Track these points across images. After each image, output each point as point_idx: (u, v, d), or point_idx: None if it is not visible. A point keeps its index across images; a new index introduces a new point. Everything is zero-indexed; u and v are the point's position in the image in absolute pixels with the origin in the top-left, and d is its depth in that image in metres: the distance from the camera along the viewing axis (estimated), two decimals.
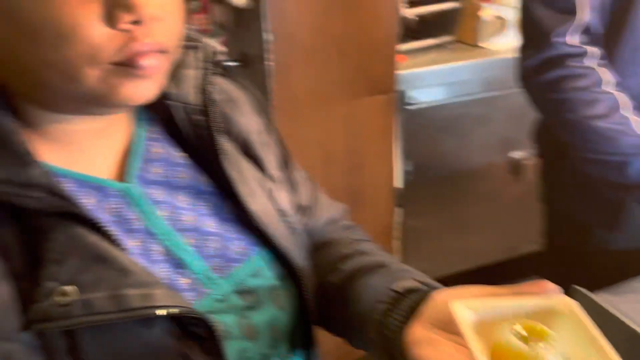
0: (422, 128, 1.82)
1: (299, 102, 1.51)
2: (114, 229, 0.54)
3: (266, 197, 0.65)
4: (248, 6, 1.43)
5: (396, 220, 1.84)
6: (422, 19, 1.80)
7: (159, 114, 0.63)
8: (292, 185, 0.72)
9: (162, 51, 0.51)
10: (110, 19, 0.46)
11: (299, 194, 0.73)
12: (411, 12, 1.75)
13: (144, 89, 0.51)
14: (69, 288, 0.47)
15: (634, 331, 0.66)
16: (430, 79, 1.75)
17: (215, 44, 0.72)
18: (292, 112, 1.51)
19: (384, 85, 1.59)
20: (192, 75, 0.62)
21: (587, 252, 1.15)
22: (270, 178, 0.67)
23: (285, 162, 0.73)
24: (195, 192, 0.62)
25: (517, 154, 1.99)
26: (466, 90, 1.82)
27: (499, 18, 1.84)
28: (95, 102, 0.51)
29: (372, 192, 1.73)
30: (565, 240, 1.24)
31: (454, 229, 2.04)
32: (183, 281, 0.57)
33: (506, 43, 1.86)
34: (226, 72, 0.70)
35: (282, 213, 0.66)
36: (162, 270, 0.56)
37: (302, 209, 0.73)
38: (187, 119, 0.61)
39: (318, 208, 0.75)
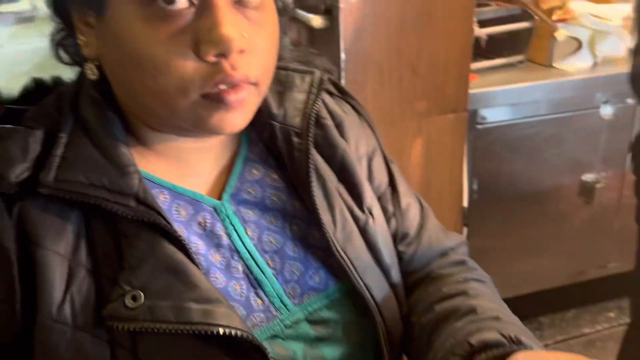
0: (490, 147, 1.80)
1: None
2: (199, 242, 0.57)
3: (356, 228, 0.64)
4: (323, 26, 1.46)
5: None
6: (493, 38, 1.79)
7: (264, 134, 0.65)
8: (397, 213, 0.70)
9: (252, 83, 0.53)
10: (199, 53, 0.50)
11: (405, 222, 0.71)
12: (482, 32, 1.74)
13: (231, 120, 0.53)
14: (138, 293, 0.50)
15: None
16: (501, 98, 1.73)
17: (330, 66, 0.73)
18: None
19: (455, 104, 1.58)
20: (298, 99, 0.64)
21: None
22: (368, 209, 0.65)
23: (393, 188, 0.71)
24: (285, 216, 0.63)
25: (588, 177, 1.94)
26: (537, 111, 1.80)
27: (574, 39, 1.81)
28: (189, 128, 0.55)
29: (440, 211, 1.72)
30: None
31: (520, 250, 2.00)
32: (257, 301, 0.58)
33: (580, 64, 1.83)
34: (341, 94, 0.71)
35: (373, 247, 0.64)
36: (239, 287, 0.58)
37: (407, 238, 0.71)
38: (286, 141, 0.63)
39: (427, 237, 0.71)
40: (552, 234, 2.02)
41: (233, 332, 0.50)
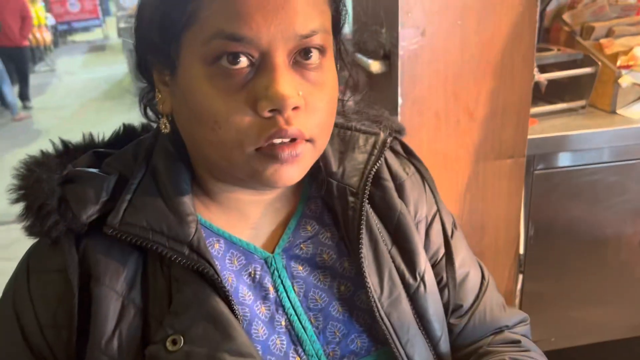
0: (549, 193, 1.77)
1: (426, 163, 1.53)
2: (247, 292, 0.59)
3: (405, 294, 0.62)
4: (382, 71, 1.49)
5: (517, 286, 1.79)
6: (554, 82, 1.77)
7: (322, 191, 0.66)
8: (451, 283, 0.68)
9: (307, 140, 0.55)
10: (256, 109, 0.52)
11: (460, 294, 0.69)
12: (542, 77, 1.73)
13: (285, 174, 0.55)
14: (179, 337, 0.52)
15: None
16: (561, 144, 1.70)
17: (400, 126, 0.74)
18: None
19: (514, 149, 1.57)
20: (359, 159, 0.65)
21: None
22: (421, 276, 0.64)
23: (448, 257, 0.69)
24: (334, 275, 0.63)
25: None
26: (599, 158, 1.75)
27: (639, 85, 1.77)
28: (246, 179, 0.57)
29: (495, 256, 1.70)
30: None
31: (578, 299, 1.94)
32: (295, 358, 0.59)
33: None
34: (406, 155, 0.71)
35: (421, 316, 0.63)
36: (279, 342, 0.59)
37: (460, 310, 0.69)
38: (341, 199, 0.64)
39: (482, 312, 0.69)
40: (613, 284, 1.95)
41: None
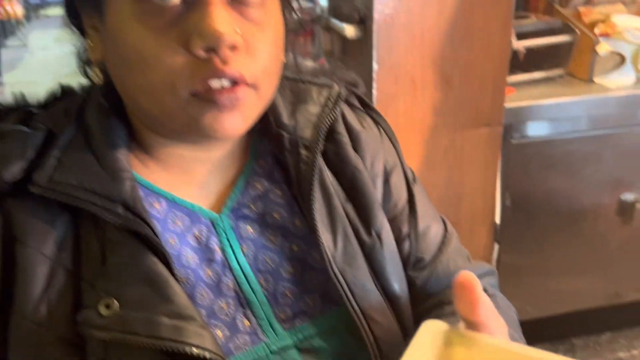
0: (526, 163, 1.75)
1: (401, 131, 1.51)
2: (192, 255, 0.56)
3: (361, 252, 0.60)
4: (357, 36, 1.45)
5: (493, 256, 1.79)
6: (532, 51, 1.75)
7: (272, 146, 0.63)
8: (413, 235, 0.66)
9: (249, 85, 0.51)
10: (187, 46, 0.48)
11: (421, 245, 0.67)
12: (520, 45, 1.70)
13: (226, 122, 0.51)
14: (113, 301, 0.49)
15: None
16: (538, 113, 1.69)
17: (355, 79, 0.70)
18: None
19: (490, 118, 1.55)
20: (312, 112, 0.62)
21: None
22: (377, 233, 0.61)
23: (411, 209, 0.67)
24: (286, 234, 0.60)
25: (628, 196, 1.88)
26: (576, 127, 1.75)
27: (617, 54, 1.75)
28: (183, 131, 0.53)
29: (471, 226, 1.69)
30: None
31: (554, 269, 1.94)
32: (244, 322, 0.56)
33: (622, 80, 1.77)
34: (363, 107, 0.68)
35: (379, 274, 0.60)
36: (226, 306, 0.55)
37: (421, 262, 0.67)
38: (293, 153, 0.60)
39: (445, 263, 0.67)
40: (588, 254, 1.96)
41: (202, 353, 0.48)
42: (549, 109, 1.68)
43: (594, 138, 1.77)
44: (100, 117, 0.56)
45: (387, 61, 1.42)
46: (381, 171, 0.66)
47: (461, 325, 0.45)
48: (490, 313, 0.46)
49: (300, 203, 0.60)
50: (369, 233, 0.61)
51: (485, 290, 0.66)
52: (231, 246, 0.58)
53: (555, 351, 2.39)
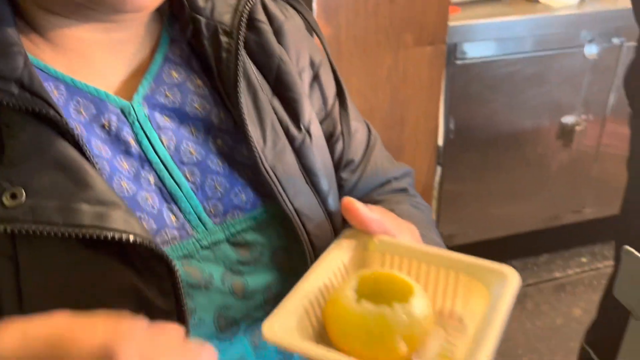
0: (469, 85, 1.74)
1: (343, 48, 1.46)
2: (102, 147, 0.51)
3: (290, 147, 0.57)
4: None
5: (435, 180, 1.79)
6: None
7: (188, 32, 0.57)
8: (345, 135, 0.64)
9: None
10: None
11: (351, 147, 0.65)
12: None
13: None
14: (19, 190, 0.44)
15: None
16: (482, 32, 1.67)
17: None
18: (334, 58, 1.46)
19: (434, 36, 1.51)
20: None
21: None
22: (306, 128, 0.59)
23: (342, 107, 0.64)
24: (209, 127, 0.56)
25: (568, 119, 1.90)
26: (520, 48, 1.73)
27: None
28: (86, 5, 0.47)
29: (414, 148, 1.68)
30: None
31: (495, 193, 1.98)
32: (170, 217, 0.52)
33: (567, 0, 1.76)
34: None
35: (308, 170, 0.58)
36: (150, 199, 0.52)
37: (352, 165, 0.65)
38: (213, 39, 0.55)
39: (373, 165, 0.67)
40: (529, 178, 2.00)
41: (130, 237, 0.44)
42: (493, 28, 1.66)
43: (537, 59, 1.76)
44: None
45: None
46: (308, 65, 0.62)
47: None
48: (390, 223, 0.49)
49: (224, 96, 0.56)
50: (298, 128, 0.58)
51: (406, 189, 0.69)
52: (148, 137, 0.53)
53: None
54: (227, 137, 0.56)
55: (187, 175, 0.54)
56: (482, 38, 1.67)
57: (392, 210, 0.59)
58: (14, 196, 0.44)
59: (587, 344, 1.38)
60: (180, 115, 0.55)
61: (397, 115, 1.61)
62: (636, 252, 0.68)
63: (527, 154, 1.95)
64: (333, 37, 1.43)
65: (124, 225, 0.45)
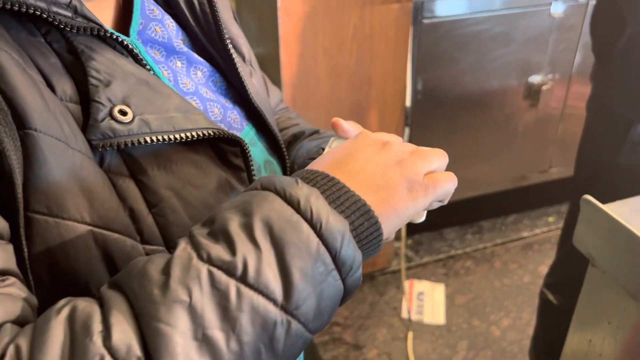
0: (437, 45, 1.73)
1: (308, 5, 1.43)
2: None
3: (249, 77, 0.64)
4: None
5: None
6: None
7: None
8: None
9: None
10: None
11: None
12: None
13: None
14: (125, 107, 0.46)
15: None
16: None
17: None
18: (298, 16, 1.43)
19: None
20: None
21: (616, 167, 1.10)
22: (249, 62, 0.66)
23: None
24: (190, 61, 0.59)
25: (535, 79, 1.90)
26: (486, 6, 1.72)
27: None
28: None
29: (382, 109, 1.67)
30: (599, 148, 1.17)
31: (463, 154, 1.98)
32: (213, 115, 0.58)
33: None
34: None
35: (263, 92, 0.66)
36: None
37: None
38: None
39: (269, 92, 0.77)
40: (496, 138, 2.01)
41: (216, 132, 0.50)
42: None
43: (504, 17, 1.75)
44: None
45: None
46: (231, 14, 0.68)
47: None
48: (355, 128, 0.58)
49: (206, 31, 0.60)
50: (245, 63, 0.65)
51: (286, 107, 0.84)
52: (153, 70, 0.54)
53: (465, 233, 2.47)
54: (206, 69, 0.60)
55: (194, 103, 0.57)
56: None
57: (298, 124, 0.75)
58: (123, 112, 0.46)
59: (545, 286, 1.41)
60: (167, 50, 0.57)
61: (364, 76, 1.59)
62: (595, 201, 0.68)
63: (494, 115, 1.95)
64: None
65: (206, 123, 0.50)
